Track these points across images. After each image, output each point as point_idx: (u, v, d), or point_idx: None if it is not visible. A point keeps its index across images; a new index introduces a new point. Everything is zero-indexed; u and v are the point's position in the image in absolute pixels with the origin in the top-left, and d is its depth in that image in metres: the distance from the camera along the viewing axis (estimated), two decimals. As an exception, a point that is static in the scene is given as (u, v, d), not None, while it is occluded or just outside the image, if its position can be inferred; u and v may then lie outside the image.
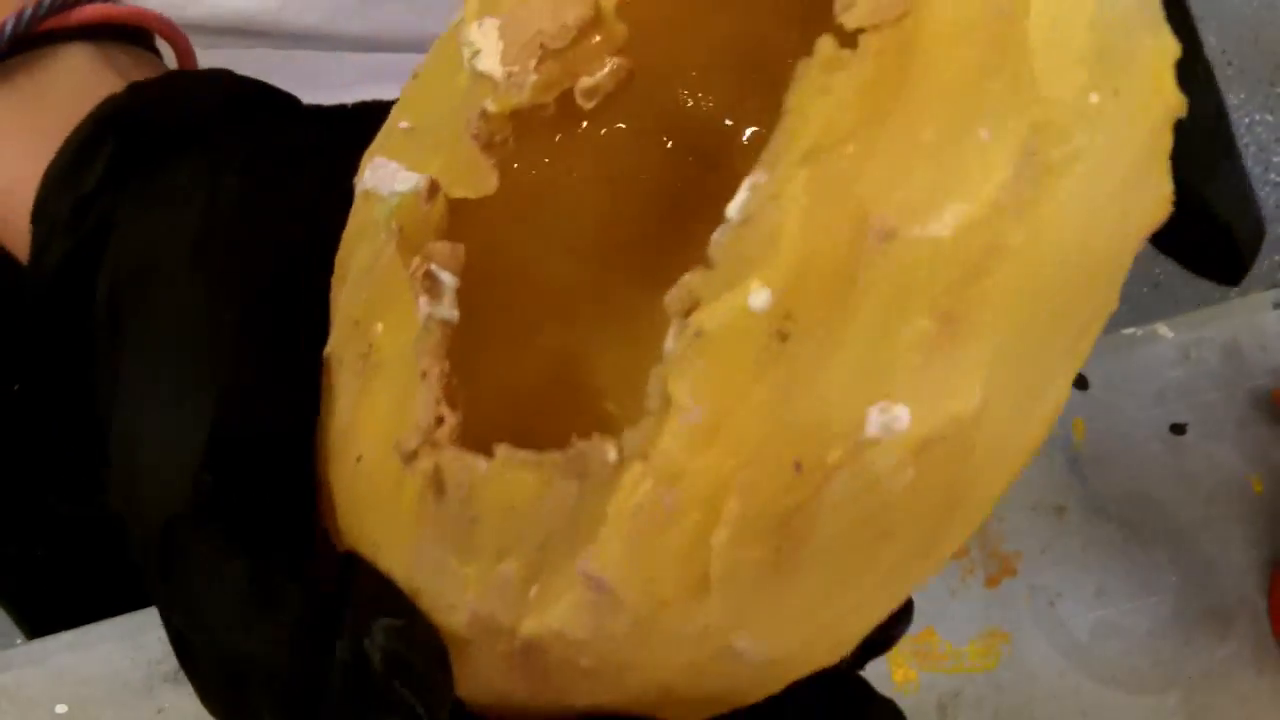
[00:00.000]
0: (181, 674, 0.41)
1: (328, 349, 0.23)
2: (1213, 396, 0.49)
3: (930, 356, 0.18)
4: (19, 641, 0.52)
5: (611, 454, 0.19)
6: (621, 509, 0.19)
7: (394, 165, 0.22)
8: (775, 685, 0.21)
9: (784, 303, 0.18)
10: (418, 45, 0.45)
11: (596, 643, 0.20)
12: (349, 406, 0.22)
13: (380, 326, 0.22)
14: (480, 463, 0.20)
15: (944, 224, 0.18)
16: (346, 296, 0.23)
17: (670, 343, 0.19)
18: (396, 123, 0.23)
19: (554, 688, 0.21)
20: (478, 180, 0.22)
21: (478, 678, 0.21)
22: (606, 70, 0.22)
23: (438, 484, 0.20)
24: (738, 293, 0.18)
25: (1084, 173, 0.18)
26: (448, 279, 0.21)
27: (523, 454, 0.19)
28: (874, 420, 0.18)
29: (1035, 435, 0.20)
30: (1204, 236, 0.23)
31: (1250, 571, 0.45)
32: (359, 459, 0.22)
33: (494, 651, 0.21)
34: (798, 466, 0.18)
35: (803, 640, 0.20)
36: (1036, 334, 0.19)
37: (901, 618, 0.23)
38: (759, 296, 0.18)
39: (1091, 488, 0.47)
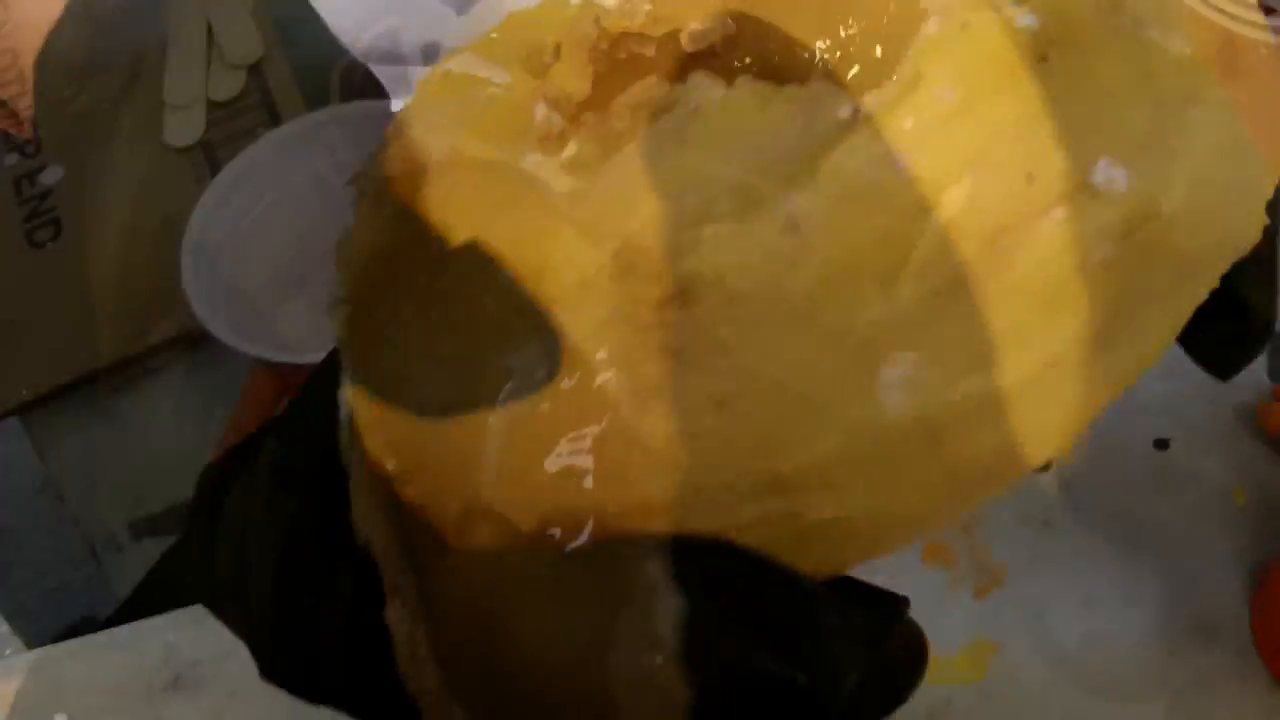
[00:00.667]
0: (180, 683, 0.41)
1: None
2: (1197, 411, 0.50)
3: (1153, 140, 0.19)
4: (10, 652, 0.51)
5: (845, 109, 0.18)
6: (842, 166, 0.18)
7: (478, 60, 0.22)
8: (885, 512, 0.20)
9: (1049, 31, 0.19)
10: (418, 57, 0.46)
11: (755, 301, 0.18)
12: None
13: (485, 139, 0.21)
14: (718, 88, 0.19)
15: (1183, 40, 0.19)
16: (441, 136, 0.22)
17: (932, 28, 0.19)
18: (488, 33, 0.23)
19: (672, 368, 0.19)
20: (573, 82, 0.22)
21: (597, 335, 0.19)
22: (717, 21, 0.22)
23: (665, 104, 0.20)
24: (1007, 12, 0.19)
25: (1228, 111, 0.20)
26: (556, 119, 0.21)
27: (761, 84, 0.19)
28: (1101, 170, 0.19)
29: (1170, 325, 0.20)
30: (1220, 314, 0.22)
31: (1234, 583, 0.45)
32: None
33: (634, 298, 0.19)
34: (1030, 178, 0.18)
35: (936, 411, 0.19)
36: (1209, 205, 0.20)
37: (899, 605, 0.23)
38: (1027, 19, 0.19)
39: (1078, 501, 0.48)
